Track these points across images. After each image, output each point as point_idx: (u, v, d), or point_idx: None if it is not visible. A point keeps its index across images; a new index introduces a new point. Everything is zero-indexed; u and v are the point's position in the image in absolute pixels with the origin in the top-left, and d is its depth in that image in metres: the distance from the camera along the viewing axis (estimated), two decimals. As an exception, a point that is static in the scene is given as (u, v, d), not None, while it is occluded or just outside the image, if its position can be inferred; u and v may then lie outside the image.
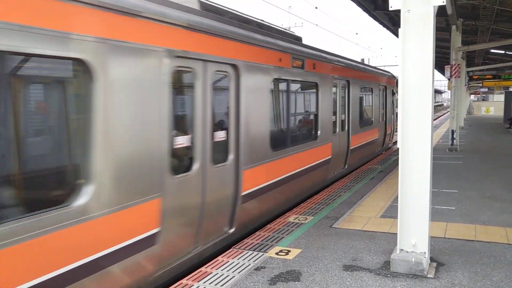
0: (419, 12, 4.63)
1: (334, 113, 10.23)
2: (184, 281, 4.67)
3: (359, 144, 12.08)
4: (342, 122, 10.86)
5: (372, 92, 13.68)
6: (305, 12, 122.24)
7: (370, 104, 13.71)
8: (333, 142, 9.93)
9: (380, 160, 13.92)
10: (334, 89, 10.16)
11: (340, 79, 10.56)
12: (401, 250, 4.85)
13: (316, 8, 33.55)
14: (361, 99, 12.29)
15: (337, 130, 10.47)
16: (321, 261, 5.15)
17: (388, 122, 16.02)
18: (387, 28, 18.17)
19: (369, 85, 13.33)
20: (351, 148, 11.33)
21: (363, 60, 27.14)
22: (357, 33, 54.90)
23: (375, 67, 16.02)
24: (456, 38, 15.68)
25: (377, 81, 14.44)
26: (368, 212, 7.30)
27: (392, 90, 16.58)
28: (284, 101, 7.77)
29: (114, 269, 4.01)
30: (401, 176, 4.83)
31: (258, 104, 6.59)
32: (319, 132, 9.05)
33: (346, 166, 11.20)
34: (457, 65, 15.66)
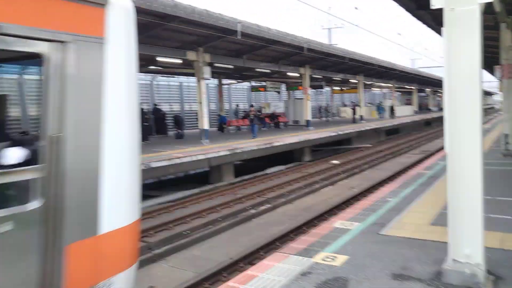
0: (463, 10, 4.38)
1: None
2: (230, 283, 4.71)
3: None
4: None
5: None
6: (345, 13, 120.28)
7: None
8: None
9: None
10: None
11: None
12: (454, 260, 4.64)
13: (356, 8, 32.96)
14: None
15: None
16: (369, 269, 5.03)
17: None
18: (431, 27, 17.51)
19: None
20: None
21: None
22: (399, 34, 53.60)
23: None
24: (506, 37, 14.91)
25: None
26: (417, 219, 7.07)
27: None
28: None
29: None
30: (450, 182, 4.60)
31: None
32: None
33: None
34: (508, 65, 14.89)
